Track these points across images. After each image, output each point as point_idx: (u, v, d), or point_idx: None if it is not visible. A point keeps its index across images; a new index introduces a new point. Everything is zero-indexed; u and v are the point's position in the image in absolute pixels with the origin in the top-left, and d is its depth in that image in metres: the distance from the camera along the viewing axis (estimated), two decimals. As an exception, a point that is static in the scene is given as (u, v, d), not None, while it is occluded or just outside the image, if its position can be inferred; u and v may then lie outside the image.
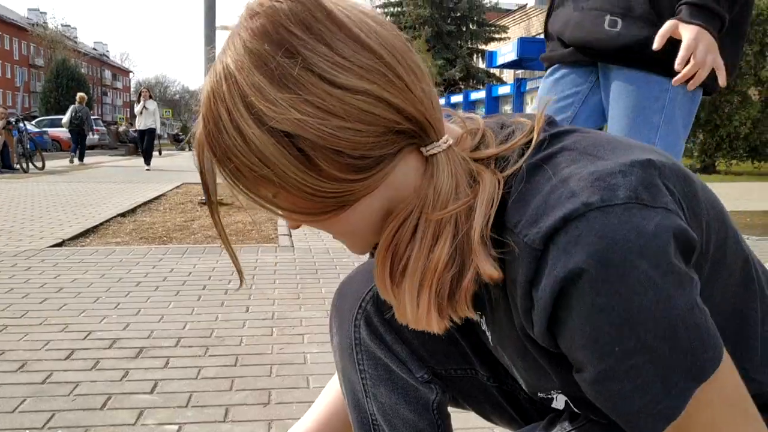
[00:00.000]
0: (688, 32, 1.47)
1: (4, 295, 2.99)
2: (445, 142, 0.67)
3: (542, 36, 1.94)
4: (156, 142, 14.31)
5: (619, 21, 1.59)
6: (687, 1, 1.49)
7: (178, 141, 31.93)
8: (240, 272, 0.77)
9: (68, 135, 23.92)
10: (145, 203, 6.82)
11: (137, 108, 13.18)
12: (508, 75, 26.95)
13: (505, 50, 17.02)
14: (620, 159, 0.62)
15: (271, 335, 2.45)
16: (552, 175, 0.63)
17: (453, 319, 0.70)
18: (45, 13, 60.71)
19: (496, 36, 30.26)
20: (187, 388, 1.93)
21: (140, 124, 13.03)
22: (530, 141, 0.68)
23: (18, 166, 12.21)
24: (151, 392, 1.91)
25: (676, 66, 1.49)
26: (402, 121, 0.63)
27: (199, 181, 0.70)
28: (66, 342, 2.34)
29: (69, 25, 65.72)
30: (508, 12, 32.93)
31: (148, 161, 13.03)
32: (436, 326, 0.68)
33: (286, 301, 2.94)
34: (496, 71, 27.57)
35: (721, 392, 0.61)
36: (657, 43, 1.50)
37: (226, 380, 2.00)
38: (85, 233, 4.86)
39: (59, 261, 3.79)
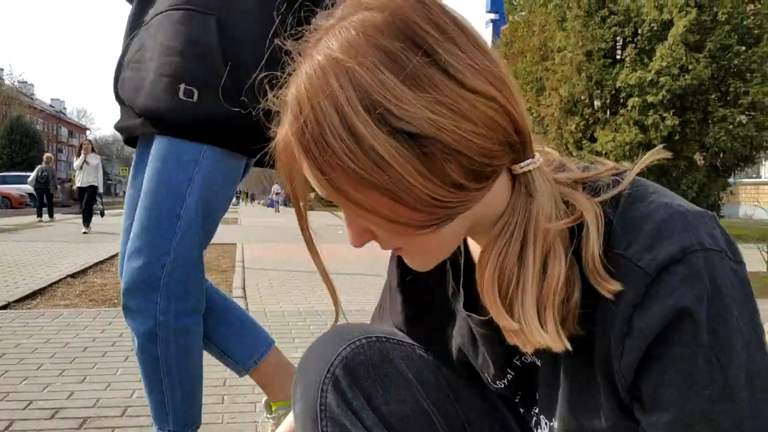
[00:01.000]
0: None
1: (-60, 362, 2.86)
2: (538, 160, 0.67)
3: None
4: (98, 201, 12.80)
5: (196, 92, 1.43)
6: None
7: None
8: (336, 307, 0.77)
9: (19, 192, 23.53)
10: (96, 264, 6.66)
11: (76, 162, 11.79)
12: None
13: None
14: (697, 207, 0.66)
15: (222, 403, 2.38)
16: (657, 204, 0.64)
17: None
18: (2, 70, 60.13)
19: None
20: (131, 462, 1.84)
21: (80, 180, 11.71)
22: (614, 176, 0.69)
23: (-35, 224, 11.83)
24: (93, 467, 1.82)
25: None
26: (513, 134, 0.63)
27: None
28: (5, 412, 2.23)
29: (26, 82, 65.05)
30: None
31: (87, 222, 11.51)
32: (560, 344, 0.64)
33: (239, 366, 2.87)
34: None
35: None
36: None
37: None
38: (32, 295, 4.70)
39: (2, 325, 3.64)
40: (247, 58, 1.43)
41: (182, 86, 1.42)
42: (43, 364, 2.85)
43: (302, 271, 6.24)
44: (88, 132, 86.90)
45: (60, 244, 8.91)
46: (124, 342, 3.27)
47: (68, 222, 14.85)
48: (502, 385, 0.86)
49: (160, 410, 1.55)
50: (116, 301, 4.54)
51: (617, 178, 0.69)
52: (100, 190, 12.20)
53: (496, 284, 0.65)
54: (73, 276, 5.73)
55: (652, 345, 0.61)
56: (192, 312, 1.53)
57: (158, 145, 1.49)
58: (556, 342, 0.63)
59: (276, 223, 17.41)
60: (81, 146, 12.14)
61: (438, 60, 0.58)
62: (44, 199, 15.35)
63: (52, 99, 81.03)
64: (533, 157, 0.66)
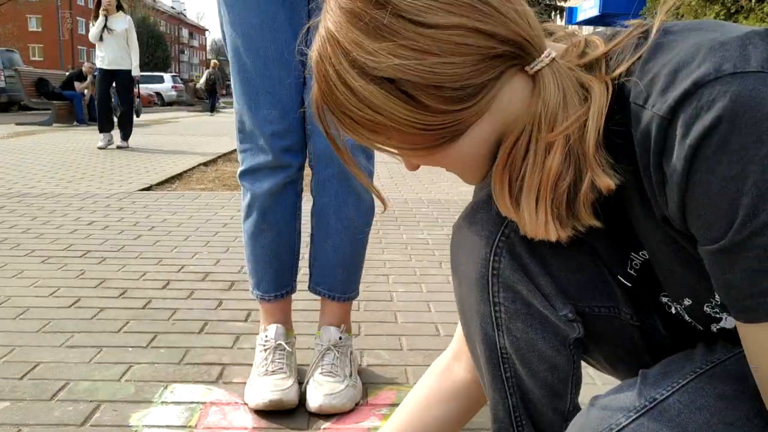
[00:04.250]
0: None
1: (100, 232, 3.14)
2: (548, 56, 0.67)
3: None
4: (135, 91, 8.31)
5: None
6: None
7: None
8: (381, 199, 0.87)
9: (148, 92, 24.76)
10: (225, 154, 6.99)
11: (93, 29, 7.07)
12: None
13: (587, 6, 16.41)
14: (740, 31, 0.61)
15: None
16: (677, 48, 0.63)
17: (577, 228, 0.71)
18: (126, -28, 62.20)
19: (576, -8, 29.12)
20: (279, 318, 1.98)
21: (102, 60, 7.12)
22: (642, 34, 0.69)
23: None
24: (246, 320, 1.97)
25: None
26: (497, 45, 0.64)
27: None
28: (162, 273, 2.44)
29: (147, -16, 67.18)
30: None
31: (106, 128, 7.35)
32: (554, 235, 0.70)
33: (369, 245, 2.97)
34: (576, 29, 26.59)
35: None
36: None
37: (314, 312, 2.04)
38: (171, 179, 5.03)
39: (149, 203, 3.93)
40: None
41: None
42: (189, 236, 3.07)
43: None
44: (207, 33, 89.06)
45: (189, 137, 9.38)
46: (259, 220, 3.45)
47: (190, 118, 15.53)
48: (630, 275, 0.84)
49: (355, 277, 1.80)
50: (247, 186, 4.77)
51: (643, 36, 0.68)
52: (136, 75, 7.47)
53: (506, 179, 0.70)
54: (205, 164, 6.06)
55: (688, 179, 0.60)
56: None
57: None
58: (542, 231, 0.70)
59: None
60: (98, 3, 7.16)
61: (394, 9, 0.63)
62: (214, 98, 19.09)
63: (173, 1, 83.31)
64: (541, 54, 0.67)
